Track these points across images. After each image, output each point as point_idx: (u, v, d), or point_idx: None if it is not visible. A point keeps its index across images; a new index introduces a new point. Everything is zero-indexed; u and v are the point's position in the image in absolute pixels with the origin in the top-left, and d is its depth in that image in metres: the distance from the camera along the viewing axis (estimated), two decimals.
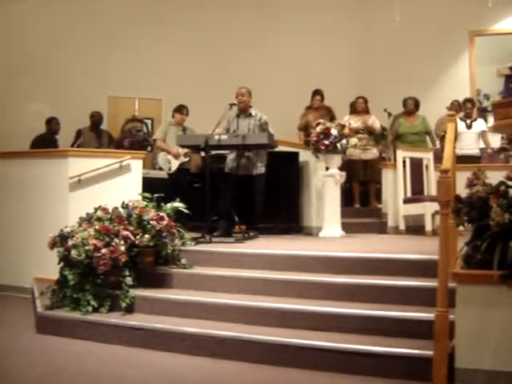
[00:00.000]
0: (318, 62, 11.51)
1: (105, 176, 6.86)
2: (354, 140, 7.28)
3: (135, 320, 4.97)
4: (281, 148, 7.58)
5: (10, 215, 7.17)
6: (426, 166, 8.28)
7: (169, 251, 5.61)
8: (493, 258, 3.49)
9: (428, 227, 7.51)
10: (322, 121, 7.42)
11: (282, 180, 7.84)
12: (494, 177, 3.95)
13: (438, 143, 9.37)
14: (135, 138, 9.54)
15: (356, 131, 8.61)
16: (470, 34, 11.52)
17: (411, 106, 9.10)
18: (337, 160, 7.29)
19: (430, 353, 3.72)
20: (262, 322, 4.65)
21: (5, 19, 10.21)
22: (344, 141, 7.14)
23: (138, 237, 5.45)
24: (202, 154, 7.70)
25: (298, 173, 8.14)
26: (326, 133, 7.12)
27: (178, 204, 5.91)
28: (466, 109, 9.43)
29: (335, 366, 4.07)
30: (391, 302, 4.51)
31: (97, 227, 5.43)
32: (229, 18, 11.54)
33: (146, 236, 5.45)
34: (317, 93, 9.69)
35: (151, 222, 5.49)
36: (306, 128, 8.98)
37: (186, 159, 8.31)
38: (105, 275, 5.25)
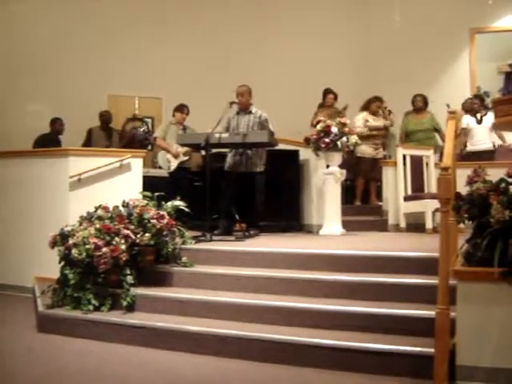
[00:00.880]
0: (319, 62, 11.49)
1: (105, 175, 6.86)
2: (354, 137, 7.28)
3: (136, 319, 4.97)
4: (281, 146, 7.58)
5: (10, 215, 7.17)
6: (427, 164, 8.28)
7: (169, 250, 5.61)
8: (493, 256, 3.49)
9: (428, 225, 7.51)
10: (322, 118, 7.43)
11: (282, 178, 7.84)
12: (498, 174, 3.94)
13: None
14: (135, 137, 9.56)
15: (374, 129, 8.72)
16: (470, 31, 11.49)
17: (420, 104, 9.15)
18: (337, 158, 7.29)
19: (430, 350, 3.72)
20: (263, 320, 4.65)
21: (5, 19, 10.19)
22: (344, 138, 7.14)
23: (138, 235, 5.46)
24: (203, 152, 7.71)
25: (299, 171, 8.14)
26: (327, 131, 7.12)
27: (178, 202, 5.92)
28: (473, 104, 9.42)
29: (337, 364, 4.08)
30: (392, 300, 4.51)
31: (97, 226, 5.44)
32: (229, 18, 11.51)
33: (147, 235, 5.46)
34: (330, 91, 9.70)
35: (152, 221, 5.50)
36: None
37: (186, 158, 8.31)
38: (105, 274, 5.26)
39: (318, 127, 7.20)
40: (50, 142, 8.94)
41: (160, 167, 8.46)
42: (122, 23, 10.88)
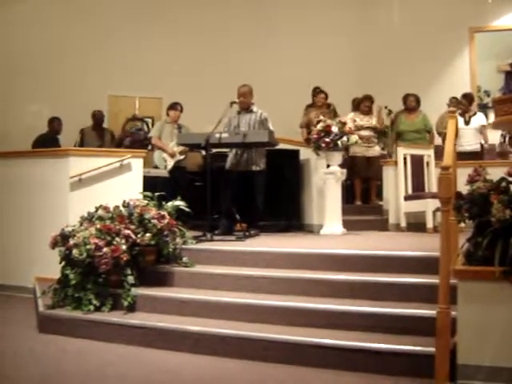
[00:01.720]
0: (319, 61, 11.51)
1: (106, 175, 6.86)
2: (354, 137, 7.28)
3: (137, 319, 4.97)
4: (282, 146, 7.58)
5: (11, 215, 7.17)
6: (427, 163, 8.28)
7: (170, 250, 5.61)
8: (494, 255, 3.49)
9: (429, 224, 7.51)
10: (322, 118, 7.42)
11: (282, 178, 7.84)
12: (495, 173, 3.94)
13: (440, 141, 9.35)
14: (136, 137, 9.56)
15: (361, 128, 8.69)
16: (469, 30, 11.51)
17: (413, 103, 9.08)
18: (338, 157, 7.29)
19: (431, 349, 3.72)
20: (263, 319, 4.65)
21: (5, 19, 10.20)
22: (345, 138, 7.14)
23: (139, 235, 5.46)
24: (203, 152, 7.70)
25: (299, 170, 8.13)
26: (327, 130, 7.12)
27: (178, 202, 5.92)
28: (462, 105, 9.40)
29: (337, 364, 4.07)
30: (393, 299, 4.51)
31: (98, 226, 5.44)
32: (229, 18, 11.54)
33: (148, 235, 5.45)
34: (321, 91, 9.67)
35: (152, 221, 5.50)
36: (308, 126, 8.99)
37: (182, 157, 8.31)
38: (106, 274, 5.26)
39: (319, 127, 7.19)
40: (48, 141, 8.93)
41: (156, 166, 8.44)
42: (123, 23, 10.91)
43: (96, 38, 10.67)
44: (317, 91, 9.70)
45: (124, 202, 5.79)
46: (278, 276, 5.07)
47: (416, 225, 7.84)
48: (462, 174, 4.26)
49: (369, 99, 9.17)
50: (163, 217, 5.54)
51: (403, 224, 7.94)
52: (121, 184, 6.87)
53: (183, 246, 5.79)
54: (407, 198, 7.97)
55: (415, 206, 7.82)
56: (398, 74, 11.28)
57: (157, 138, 8.45)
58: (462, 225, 4.20)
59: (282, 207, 7.91)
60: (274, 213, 7.59)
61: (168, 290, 5.34)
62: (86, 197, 6.53)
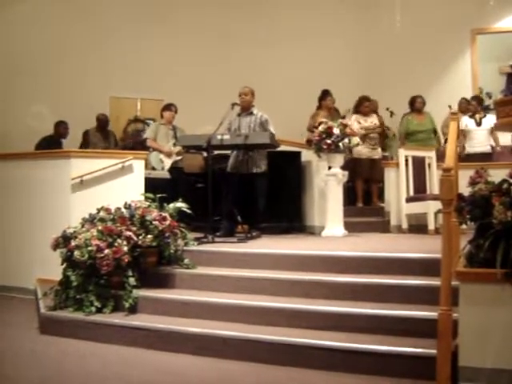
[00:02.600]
0: (321, 63, 11.51)
1: (107, 177, 6.86)
2: (356, 139, 7.29)
3: (138, 320, 4.97)
4: (283, 147, 7.58)
5: (12, 216, 7.18)
6: (429, 165, 8.28)
7: (171, 251, 5.61)
8: (496, 257, 3.49)
9: (431, 226, 7.50)
10: (324, 120, 7.43)
11: (284, 179, 7.84)
12: (499, 175, 3.93)
13: (443, 142, 9.37)
14: (137, 139, 9.57)
15: (366, 129, 8.72)
16: (471, 32, 11.50)
17: (421, 105, 9.12)
18: (339, 159, 7.29)
19: (433, 351, 3.72)
20: (265, 321, 4.65)
21: (6, 20, 10.21)
22: (346, 140, 7.14)
23: (140, 237, 5.46)
24: (205, 154, 7.71)
25: (301, 172, 8.13)
26: (329, 132, 7.12)
27: (180, 204, 5.92)
28: (471, 106, 9.43)
29: (339, 366, 4.07)
30: (394, 301, 4.51)
31: (100, 228, 5.44)
32: (231, 19, 11.53)
33: (149, 236, 5.45)
34: (328, 93, 9.62)
35: (154, 223, 5.50)
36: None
37: (179, 158, 8.31)
38: (108, 276, 5.26)
39: (320, 128, 7.20)
40: (52, 144, 8.93)
41: (153, 168, 8.43)
42: (123, 24, 10.90)
43: (97, 38, 10.66)
44: (325, 94, 9.66)
45: (125, 203, 5.79)
46: (280, 278, 5.07)
47: (417, 226, 7.83)
48: (464, 176, 4.26)
49: (366, 99, 9.18)
50: (165, 218, 5.54)
51: (405, 226, 7.94)
52: (122, 185, 6.87)
53: (185, 248, 5.79)
54: (409, 199, 7.97)
55: (417, 207, 7.82)
56: (399, 75, 11.28)
57: (152, 139, 8.44)
58: (464, 227, 4.20)
59: (284, 209, 7.91)
60: (275, 214, 7.59)
61: (169, 291, 5.34)
62: (88, 198, 6.53)
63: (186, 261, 5.60)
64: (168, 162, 8.26)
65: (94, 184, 6.78)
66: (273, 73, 11.28)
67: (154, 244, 5.49)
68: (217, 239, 6.43)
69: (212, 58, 11.26)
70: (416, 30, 11.42)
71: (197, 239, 6.17)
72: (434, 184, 8.13)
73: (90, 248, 5.24)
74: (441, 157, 7.89)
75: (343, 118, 9.06)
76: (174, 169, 8.28)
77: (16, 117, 9.91)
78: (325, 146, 7.14)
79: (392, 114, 10.18)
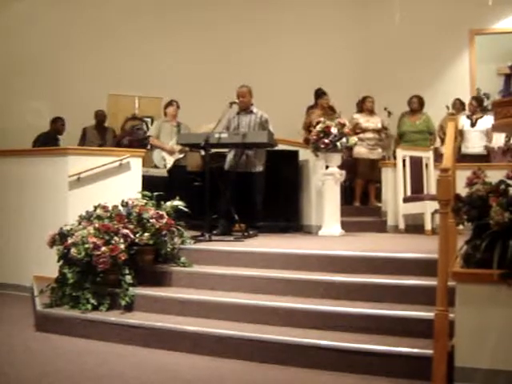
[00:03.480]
0: (319, 61, 11.51)
1: (104, 174, 6.85)
2: (353, 138, 7.29)
3: (134, 318, 4.97)
4: (281, 146, 7.58)
5: (9, 214, 7.16)
6: (426, 165, 8.28)
7: (168, 249, 5.61)
8: (493, 257, 3.49)
9: (428, 226, 7.51)
10: (322, 119, 7.42)
11: (281, 178, 7.83)
12: (496, 176, 3.94)
13: (439, 143, 9.37)
14: (134, 137, 9.55)
15: (366, 130, 8.71)
16: (470, 32, 11.51)
17: (415, 105, 9.10)
18: (337, 158, 7.29)
19: (429, 352, 3.72)
20: (261, 320, 4.65)
21: (5, 18, 10.19)
22: (344, 139, 7.14)
23: (137, 235, 5.46)
24: (202, 152, 7.70)
25: (298, 171, 8.13)
26: (326, 131, 7.12)
27: (177, 202, 5.91)
28: (470, 106, 9.43)
29: (335, 365, 4.07)
30: (391, 301, 4.51)
31: (96, 225, 5.44)
32: (229, 16, 11.53)
33: (146, 234, 5.45)
34: (324, 92, 9.64)
35: (151, 221, 5.49)
36: (309, 127, 8.97)
37: (181, 155, 8.29)
38: (104, 273, 5.25)
39: (318, 128, 7.19)
40: (49, 140, 8.92)
41: (155, 166, 8.42)
42: (122, 22, 10.89)
43: (95, 36, 10.65)
44: (320, 93, 9.67)
45: (123, 201, 5.79)
46: (276, 277, 5.07)
47: (414, 227, 7.84)
48: (462, 177, 4.26)
49: (370, 97, 9.21)
50: (162, 216, 5.54)
51: (402, 226, 7.94)
52: (120, 183, 6.85)
53: (181, 246, 5.79)
54: (406, 199, 7.98)
55: (414, 207, 7.83)
56: (398, 75, 11.28)
57: (155, 137, 8.43)
58: (461, 227, 4.21)
59: (281, 208, 7.90)
60: (272, 213, 7.59)
61: (166, 289, 5.34)
62: (85, 196, 6.52)
63: (182, 259, 5.60)
64: (170, 160, 8.25)
65: (91, 181, 6.77)
66: (272, 72, 11.27)
67: (151, 242, 5.49)
68: (214, 238, 6.42)
69: (210, 55, 11.26)
70: (414, 30, 11.43)
71: (194, 237, 6.17)
72: (431, 184, 8.14)
73: (86, 245, 5.24)
74: (439, 157, 7.92)
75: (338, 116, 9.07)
76: (175, 167, 8.26)
77: (14, 114, 9.90)
78: (322, 146, 7.14)
79: (390, 113, 10.18)
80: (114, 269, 5.27)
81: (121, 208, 5.71)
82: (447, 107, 9.48)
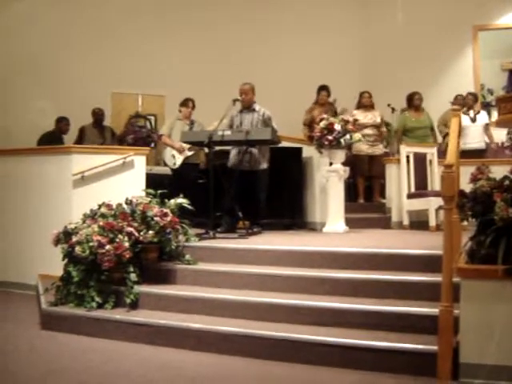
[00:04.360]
0: (322, 58, 11.51)
1: (108, 172, 6.85)
2: (357, 135, 7.28)
3: (140, 316, 4.98)
4: (284, 143, 7.56)
5: (13, 212, 7.18)
6: (430, 161, 8.27)
7: (173, 247, 5.62)
8: (497, 253, 3.49)
9: (432, 222, 7.49)
10: (325, 116, 7.41)
11: (285, 175, 7.82)
12: (499, 171, 3.93)
13: (440, 139, 9.36)
14: (138, 135, 9.54)
15: (364, 126, 8.69)
16: (473, 28, 11.48)
17: (418, 102, 9.08)
18: (340, 155, 7.28)
19: (434, 348, 3.73)
20: (266, 317, 4.66)
21: (7, 17, 10.20)
22: (348, 136, 7.13)
23: (142, 233, 5.46)
24: (206, 150, 7.69)
25: (302, 168, 8.11)
26: (330, 128, 7.10)
27: (181, 200, 5.91)
28: (468, 102, 9.41)
29: (340, 361, 4.08)
30: (396, 297, 4.52)
31: (101, 223, 5.44)
32: (231, 14, 11.53)
33: (150, 232, 5.45)
34: (323, 88, 9.65)
35: (155, 218, 5.49)
36: (310, 124, 8.96)
37: (191, 153, 8.28)
38: (109, 271, 5.26)
39: (322, 124, 7.18)
40: (53, 139, 8.91)
41: (165, 164, 8.42)
42: (125, 21, 10.89)
43: (98, 35, 10.65)
44: (319, 89, 9.67)
45: (127, 199, 5.79)
46: (281, 274, 5.07)
47: (419, 223, 7.83)
48: (466, 173, 4.25)
49: (367, 92, 9.18)
50: (166, 214, 5.54)
51: (406, 222, 7.93)
52: (123, 181, 6.86)
53: (186, 244, 5.79)
54: (410, 196, 7.96)
55: (418, 204, 7.81)
56: (401, 72, 11.26)
57: (166, 136, 8.41)
58: (465, 223, 4.21)
59: (285, 205, 7.89)
60: (276, 210, 7.58)
61: (170, 287, 5.35)
62: (89, 194, 6.52)
63: (187, 257, 5.61)
64: (180, 158, 8.23)
65: (95, 180, 6.78)
66: (273, 68, 11.27)
67: (155, 240, 5.49)
68: (218, 235, 6.43)
69: (213, 54, 11.26)
70: (418, 26, 11.41)
71: (198, 235, 6.16)
72: (435, 180, 8.12)
73: (91, 244, 5.25)
74: (441, 153, 7.91)
75: (339, 113, 9.07)
76: (185, 164, 8.24)
77: (18, 113, 9.90)
78: (326, 142, 7.13)
79: (393, 110, 10.17)
80: (118, 267, 5.27)
81: (125, 206, 5.71)
82: (451, 103, 9.46)
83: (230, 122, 7.25)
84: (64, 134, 9.42)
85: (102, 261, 5.20)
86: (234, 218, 7.00)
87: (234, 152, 7.20)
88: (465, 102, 9.41)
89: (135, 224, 5.51)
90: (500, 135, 9.56)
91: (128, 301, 5.15)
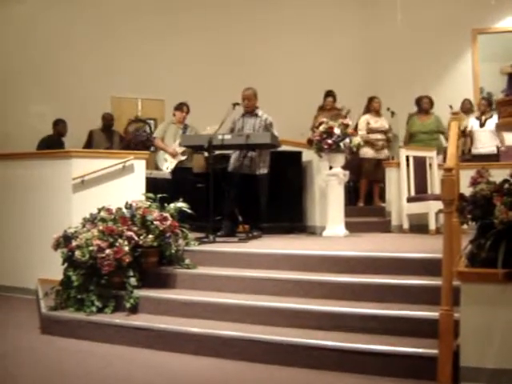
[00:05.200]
0: (321, 63, 11.52)
1: (108, 177, 6.86)
2: (357, 139, 7.29)
3: (139, 320, 4.97)
4: (284, 147, 7.57)
5: (13, 217, 7.18)
6: (430, 165, 8.27)
7: (172, 251, 5.61)
8: (497, 256, 3.48)
9: (432, 226, 7.50)
10: (325, 120, 7.42)
11: (285, 179, 7.82)
12: (502, 175, 3.93)
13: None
14: (138, 139, 9.55)
15: (375, 131, 8.73)
16: (472, 32, 11.50)
17: (426, 105, 9.10)
18: (340, 159, 7.28)
19: (434, 351, 3.72)
20: (266, 321, 4.65)
21: (7, 20, 10.21)
22: (347, 140, 7.14)
23: (141, 237, 5.45)
24: (206, 154, 7.70)
25: (302, 172, 8.12)
26: (329, 132, 7.11)
27: (181, 204, 5.91)
28: (480, 106, 9.43)
29: (340, 365, 4.07)
30: (396, 301, 4.51)
31: (100, 228, 5.44)
32: (231, 19, 11.54)
33: (150, 236, 5.45)
34: (329, 94, 9.71)
35: (155, 223, 5.49)
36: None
37: (184, 157, 8.29)
38: (109, 276, 5.26)
39: (321, 128, 7.19)
40: (53, 143, 8.92)
41: (158, 168, 8.43)
42: (124, 24, 10.91)
43: (97, 38, 10.66)
44: (325, 95, 9.74)
45: (126, 203, 5.79)
46: (281, 278, 5.07)
47: (418, 226, 7.83)
48: (467, 176, 4.25)
49: (375, 97, 9.23)
50: (165, 218, 5.54)
51: (406, 226, 7.93)
52: (123, 185, 6.86)
53: (185, 248, 5.79)
54: (410, 199, 7.97)
55: (418, 207, 7.82)
56: (400, 75, 11.29)
57: (159, 139, 8.44)
58: (465, 226, 4.20)
59: (285, 209, 7.89)
60: (276, 214, 7.57)
61: (170, 291, 5.34)
62: (89, 198, 6.53)
63: (186, 261, 5.60)
64: (173, 162, 8.25)
65: (94, 184, 6.78)
66: (275, 72, 11.28)
67: (155, 244, 5.49)
68: (218, 239, 6.43)
69: (213, 57, 11.27)
70: (417, 30, 11.43)
71: (198, 239, 6.17)
72: (435, 184, 8.13)
73: (90, 248, 5.25)
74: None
75: (345, 117, 9.09)
76: (179, 169, 8.26)
77: (17, 117, 9.91)
78: (326, 146, 7.14)
79: (393, 114, 10.17)
80: (118, 271, 5.27)
81: (125, 210, 5.71)
82: (450, 107, 9.46)
83: (232, 126, 7.26)
84: (63, 136, 9.42)
85: (101, 265, 5.20)
86: (233, 222, 7.00)
87: (234, 156, 7.20)
88: (478, 107, 9.42)
89: (135, 228, 5.51)
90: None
91: (128, 305, 5.14)
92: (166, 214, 5.59)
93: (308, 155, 7.95)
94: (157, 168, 8.48)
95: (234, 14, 11.58)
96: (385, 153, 9.17)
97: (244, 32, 11.49)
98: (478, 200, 3.77)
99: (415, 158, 8.18)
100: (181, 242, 5.77)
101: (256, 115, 7.20)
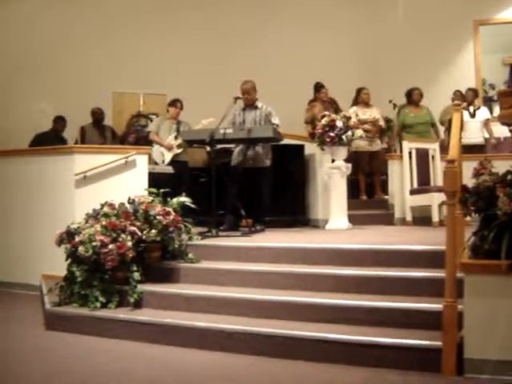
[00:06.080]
0: (322, 55, 11.51)
1: (111, 172, 6.85)
2: (359, 131, 7.27)
3: (143, 315, 4.98)
4: (286, 141, 7.56)
5: (16, 213, 7.19)
6: (432, 157, 8.26)
7: (176, 246, 5.61)
8: (501, 248, 3.48)
9: (435, 218, 7.49)
10: (327, 113, 7.41)
11: (288, 173, 7.83)
12: (501, 166, 3.93)
13: (442, 134, 9.35)
14: (140, 134, 9.55)
15: (364, 122, 8.67)
16: (474, 23, 11.46)
17: (418, 97, 9.06)
18: (343, 152, 7.28)
19: (438, 343, 3.72)
20: (270, 315, 4.65)
21: (7, 17, 10.21)
22: (349, 132, 7.13)
23: (144, 232, 5.46)
24: (208, 148, 7.71)
25: (304, 165, 8.12)
26: (332, 125, 7.10)
27: (184, 199, 5.92)
28: (467, 97, 9.43)
29: (344, 358, 4.07)
30: (399, 294, 4.50)
31: (103, 223, 5.44)
32: (232, 12, 11.54)
33: (153, 231, 5.45)
34: (322, 86, 9.67)
35: (158, 217, 5.50)
36: (312, 121, 8.96)
37: (179, 151, 8.31)
38: (112, 271, 5.26)
39: (323, 121, 7.18)
40: (49, 140, 8.84)
41: (155, 162, 8.44)
42: (126, 20, 10.92)
43: (99, 34, 10.67)
44: (318, 86, 9.69)
45: (129, 198, 5.79)
46: (284, 271, 5.07)
47: (422, 219, 7.83)
48: (468, 168, 4.25)
49: (365, 88, 9.16)
50: (168, 213, 5.54)
51: (409, 218, 7.93)
52: (126, 181, 6.86)
53: (189, 242, 5.79)
54: (413, 191, 7.96)
55: (421, 199, 7.81)
56: (402, 67, 11.26)
57: (154, 133, 8.47)
58: (468, 218, 4.20)
59: (288, 202, 7.90)
60: (279, 208, 7.58)
61: (174, 286, 5.35)
62: (91, 194, 6.52)
63: (190, 255, 5.61)
64: (168, 155, 8.27)
65: (97, 179, 6.78)
66: (274, 67, 11.27)
67: (158, 239, 5.49)
68: (221, 233, 6.43)
69: (214, 52, 11.27)
70: (418, 22, 11.41)
71: (201, 233, 6.17)
72: (437, 176, 8.11)
73: (94, 243, 5.25)
74: (444, 149, 7.90)
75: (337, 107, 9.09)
76: (175, 162, 8.28)
77: (18, 113, 9.92)
78: (328, 139, 7.13)
79: (395, 106, 10.15)
80: (121, 266, 5.27)
81: (127, 205, 5.71)
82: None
83: (233, 120, 7.25)
84: (61, 132, 9.39)
85: (105, 260, 5.20)
86: (236, 216, 7.00)
87: (237, 150, 7.20)
88: (465, 98, 9.41)
89: (138, 223, 5.51)
90: (504, 130, 9.54)
91: (131, 300, 5.15)
92: (169, 209, 5.59)
93: (310, 148, 7.95)
94: (155, 163, 8.48)
95: (235, 9, 11.57)
96: (378, 144, 9.09)
97: (244, 27, 11.48)
98: (481, 191, 3.76)
99: (418, 150, 8.16)
100: (184, 236, 5.77)
101: (256, 107, 7.19)
